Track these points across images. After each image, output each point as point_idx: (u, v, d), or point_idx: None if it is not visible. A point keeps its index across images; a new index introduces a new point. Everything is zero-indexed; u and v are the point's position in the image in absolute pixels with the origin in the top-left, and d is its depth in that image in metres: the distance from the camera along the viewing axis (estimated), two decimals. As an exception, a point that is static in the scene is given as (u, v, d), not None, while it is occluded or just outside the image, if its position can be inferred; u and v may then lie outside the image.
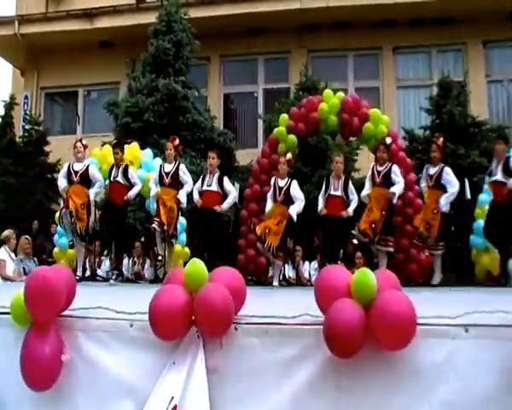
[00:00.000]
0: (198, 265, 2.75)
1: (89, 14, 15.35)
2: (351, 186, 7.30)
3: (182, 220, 8.84)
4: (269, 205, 7.35)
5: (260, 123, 14.72)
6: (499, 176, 7.06)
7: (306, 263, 9.61)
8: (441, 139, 7.64)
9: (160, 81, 12.19)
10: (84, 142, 7.63)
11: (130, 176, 7.58)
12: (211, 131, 12.59)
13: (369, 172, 7.42)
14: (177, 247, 8.98)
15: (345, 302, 2.56)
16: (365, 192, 7.27)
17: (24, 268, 8.60)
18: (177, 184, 7.43)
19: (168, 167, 7.55)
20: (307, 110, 8.98)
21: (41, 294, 2.75)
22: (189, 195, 7.57)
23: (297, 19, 14.29)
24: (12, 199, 13.03)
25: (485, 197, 8.34)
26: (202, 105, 13.66)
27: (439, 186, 7.31)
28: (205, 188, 7.44)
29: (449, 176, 7.26)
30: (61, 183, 7.35)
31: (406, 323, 2.48)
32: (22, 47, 16.12)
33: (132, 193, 7.53)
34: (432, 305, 3.93)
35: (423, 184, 7.67)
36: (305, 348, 2.69)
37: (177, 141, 7.79)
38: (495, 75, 14.74)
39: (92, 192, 7.31)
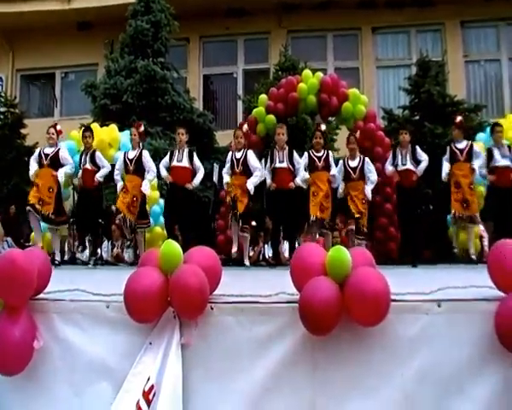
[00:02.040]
0: (173, 246, 2.73)
1: (65, -6, 15.09)
2: (295, 156, 7.30)
3: (161, 202, 8.81)
4: (226, 179, 7.28)
5: (240, 104, 14.68)
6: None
7: (286, 243, 9.64)
8: (459, 118, 7.77)
9: (138, 62, 12.05)
10: (58, 127, 7.52)
11: (97, 160, 7.51)
12: (190, 112, 12.49)
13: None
14: (157, 229, 8.95)
15: (320, 280, 2.58)
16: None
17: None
18: (141, 170, 7.35)
19: (132, 154, 7.47)
20: (286, 90, 8.97)
21: (10, 276, 2.69)
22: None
23: (276, -1, 14.21)
24: (-11, 183, 12.85)
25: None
26: (182, 86, 13.55)
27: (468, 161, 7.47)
28: (174, 163, 7.30)
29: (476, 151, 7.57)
30: (32, 167, 7.25)
31: (380, 299, 2.51)
32: (-4, 27, 15.80)
33: (100, 175, 7.44)
34: (407, 282, 3.99)
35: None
36: (280, 326, 2.71)
37: (142, 127, 7.70)
38: (472, 55, 14.86)
39: (61, 172, 7.21)
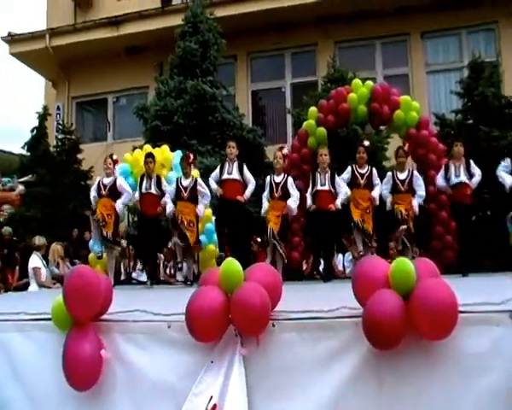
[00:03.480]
0: (233, 265, 2.72)
1: (115, 22, 15.57)
2: (337, 179, 7.20)
3: (212, 219, 8.85)
4: (265, 205, 7.18)
5: (289, 118, 14.65)
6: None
7: (340, 255, 9.51)
8: None
9: (188, 83, 12.22)
10: (114, 157, 7.68)
11: (163, 186, 7.60)
12: (240, 128, 12.56)
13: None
14: (211, 247, 8.99)
15: (384, 293, 2.50)
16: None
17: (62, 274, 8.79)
18: (195, 198, 7.39)
19: (186, 182, 7.51)
20: (336, 102, 8.87)
21: (80, 288, 2.80)
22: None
23: (322, 10, 14.16)
24: (48, 208, 13.28)
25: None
26: (231, 103, 13.65)
27: None
28: (225, 177, 7.25)
29: None
30: (93, 198, 7.45)
31: (448, 311, 2.42)
32: (53, 59, 16.47)
33: (164, 201, 7.52)
34: (473, 292, 3.83)
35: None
36: (344, 342, 2.65)
37: (192, 157, 7.78)
38: (529, 53, 14.32)
39: (119, 203, 7.35)
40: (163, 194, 7.52)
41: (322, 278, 7.15)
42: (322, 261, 7.89)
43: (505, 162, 7.20)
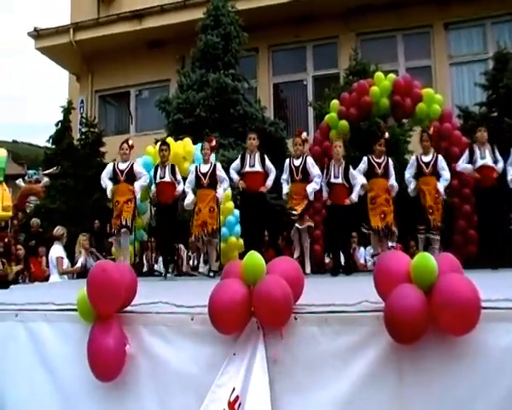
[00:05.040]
0: (255, 258, 2.75)
1: (137, 15, 15.70)
2: (352, 171, 7.15)
3: (236, 212, 8.88)
4: (285, 187, 7.19)
5: (311, 111, 14.62)
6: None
7: (361, 249, 9.49)
8: None
9: (209, 76, 12.27)
10: (130, 142, 7.71)
11: (177, 175, 7.61)
12: (262, 121, 12.58)
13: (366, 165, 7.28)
14: (232, 239, 9.03)
15: (405, 288, 2.51)
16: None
17: (85, 264, 8.94)
18: (215, 184, 7.38)
19: (205, 168, 7.50)
20: (358, 94, 8.83)
21: (103, 284, 2.85)
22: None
23: (343, 2, 14.08)
24: (73, 200, 13.48)
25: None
26: (252, 96, 13.68)
27: None
28: (247, 169, 7.24)
29: None
30: (106, 183, 7.44)
31: (470, 307, 2.41)
32: (77, 53, 16.70)
33: (178, 190, 7.53)
34: (496, 287, 3.80)
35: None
36: (365, 336, 2.66)
37: (214, 142, 7.76)
38: (556, 43, 14.05)
39: (137, 185, 7.39)
40: (177, 182, 7.55)
41: (344, 272, 7.13)
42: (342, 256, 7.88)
43: None
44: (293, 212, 6.94)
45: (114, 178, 7.46)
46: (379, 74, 9.01)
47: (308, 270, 7.04)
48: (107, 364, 2.94)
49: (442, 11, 14.05)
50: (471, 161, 7.27)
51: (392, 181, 7.20)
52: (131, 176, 7.44)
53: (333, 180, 7.06)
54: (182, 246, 9.13)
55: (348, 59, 13.05)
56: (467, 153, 7.40)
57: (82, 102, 17.25)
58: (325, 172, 7.19)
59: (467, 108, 11.74)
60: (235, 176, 7.35)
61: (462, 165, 7.38)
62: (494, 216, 7.08)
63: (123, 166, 7.47)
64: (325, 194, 7.16)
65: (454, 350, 2.56)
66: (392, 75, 8.99)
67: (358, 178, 7.04)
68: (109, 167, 7.61)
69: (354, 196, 6.96)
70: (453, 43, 14.80)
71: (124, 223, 7.26)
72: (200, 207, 7.23)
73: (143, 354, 3.04)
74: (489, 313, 2.52)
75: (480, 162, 7.18)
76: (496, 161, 7.13)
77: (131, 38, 15.63)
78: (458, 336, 2.52)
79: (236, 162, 7.44)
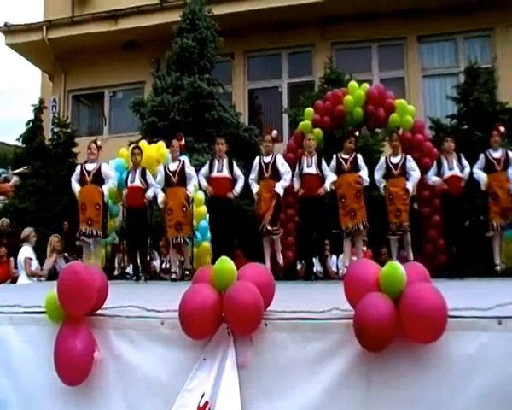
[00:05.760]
0: (226, 263, 2.76)
1: (113, 16, 15.54)
2: (324, 163, 7.23)
3: (207, 217, 8.87)
4: (254, 188, 7.25)
5: (285, 117, 14.70)
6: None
7: (334, 257, 9.57)
8: (503, 128, 7.74)
9: (185, 79, 12.24)
10: (98, 143, 7.64)
11: (147, 178, 7.58)
12: (236, 127, 12.59)
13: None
14: (205, 244, 9.01)
15: (374, 296, 2.54)
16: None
17: (55, 267, 8.81)
18: (184, 181, 7.37)
19: (173, 166, 7.47)
20: (332, 103, 8.93)
21: (73, 287, 2.81)
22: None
23: (320, 11, 14.19)
24: (43, 200, 13.26)
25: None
26: (227, 102, 13.68)
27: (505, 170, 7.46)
28: (215, 174, 7.32)
29: None
30: (74, 186, 7.39)
31: (437, 315, 2.46)
32: (50, 52, 16.42)
33: (149, 194, 7.50)
34: (463, 296, 3.88)
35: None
36: (335, 343, 2.68)
37: (183, 140, 7.78)
38: (524, 60, 14.43)
39: (105, 188, 7.34)
40: (148, 186, 7.51)
41: (316, 279, 7.20)
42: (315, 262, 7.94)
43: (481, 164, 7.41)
44: (268, 228, 7.01)
45: (81, 180, 7.38)
46: (353, 84, 9.12)
47: (281, 261, 7.13)
48: (73, 367, 2.90)
49: (415, 24, 14.29)
50: (439, 171, 7.44)
51: (362, 173, 7.26)
52: (99, 177, 7.37)
53: (306, 170, 7.17)
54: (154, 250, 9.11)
55: (323, 67, 13.17)
56: (435, 165, 7.58)
57: (54, 101, 16.99)
58: (297, 164, 7.28)
59: (438, 120, 11.95)
60: (203, 182, 7.39)
61: (432, 178, 7.55)
62: (459, 225, 7.27)
63: (90, 166, 7.41)
64: (296, 185, 7.22)
65: (421, 358, 2.60)
66: (365, 85, 9.11)
67: (330, 175, 7.14)
68: (77, 169, 7.56)
69: (327, 185, 7.06)
70: (426, 56, 15.06)
71: (94, 233, 7.20)
72: (172, 207, 7.23)
73: (112, 358, 3.01)
74: (455, 322, 2.57)
75: (448, 173, 7.37)
76: (463, 169, 7.34)
77: (106, 38, 15.46)
78: (425, 344, 2.56)
79: (205, 168, 7.49)
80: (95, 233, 7.21)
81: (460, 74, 13.49)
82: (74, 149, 14.36)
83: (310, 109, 9.16)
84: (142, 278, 7.65)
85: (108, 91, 17.03)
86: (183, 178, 7.35)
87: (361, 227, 7.11)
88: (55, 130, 14.80)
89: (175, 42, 12.79)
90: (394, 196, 7.19)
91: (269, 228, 6.98)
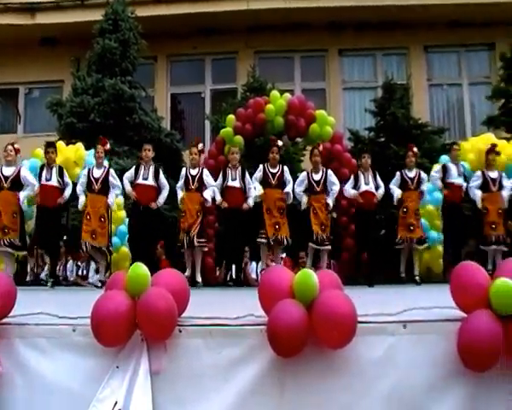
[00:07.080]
0: (140, 269, 2.72)
1: (30, 9, 14.88)
2: (247, 176, 7.35)
3: (127, 222, 8.72)
4: (180, 194, 7.26)
5: (207, 124, 14.70)
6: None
7: (253, 263, 9.66)
8: (415, 148, 8.18)
9: (106, 81, 11.99)
10: (16, 146, 7.24)
11: (65, 177, 7.30)
12: (158, 131, 12.47)
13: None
14: (123, 249, 8.86)
15: (287, 303, 2.59)
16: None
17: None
18: (107, 190, 7.19)
19: (98, 172, 7.28)
20: (254, 111, 9.04)
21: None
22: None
23: (245, 20, 14.34)
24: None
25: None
26: (149, 105, 13.52)
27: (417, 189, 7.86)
28: (140, 181, 7.23)
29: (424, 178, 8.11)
30: None
31: (347, 321, 2.54)
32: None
33: (66, 196, 7.23)
34: (373, 303, 4.03)
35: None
36: (248, 349, 2.70)
37: (109, 145, 7.60)
38: (436, 79, 15.27)
39: (22, 196, 6.91)
40: (65, 186, 7.25)
41: (234, 285, 7.24)
42: (233, 268, 7.98)
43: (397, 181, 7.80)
44: (195, 243, 7.00)
45: None
46: (274, 93, 9.28)
47: (199, 279, 7.11)
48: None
49: (337, 37, 14.75)
50: (356, 185, 7.73)
51: (288, 189, 7.37)
52: (17, 183, 6.94)
53: (230, 183, 7.21)
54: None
55: (246, 75, 13.30)
56: (352, 178, 7.86)
57: (-36, 95, 16.10)
58: (221, 176, 7.31)
59: (357, 132, 12.39)
60: (127, 186, 7.26)
61: (349, 190, 7.81)
62: (371, 237, 7.60)
63: (8, 171, 6.94)
64: (218, 198, 7.25)
65: (333, 363, 2.68)
66: (287, 95, 9.30)
67: (255, 185, 7.21)
68: None
69: (251, 202, 7.13)
70: (346, 69, 15.58)
71: (10, 242, 6.80)
72: (90, 213, 7.04)
73: (19, 369, 2.87)
74: (365, 327, 2.66)
75: (363, 187, 7.67)
76: (377, 187, 7.67)
77: (23, 31, 14.78)
78: (336, 349, 2.63)
79: (130, 172, 7.36)
80: (11, 242, 6.76)
81: (378, 89, 14.04)
82: (-15, 148, 13.66)
83: (232, 116, 9.23)
84: (49, 284, 7.27)
85: (24, 88, 16.33)
86: (105, 187, 7.17)
87: (285, 242, 7.24)
88: (-36, 126, 14.05)
89: (96, 42, 12.51)
90: (318, 210, 7.37)
91: (196, 243, 6.99)
